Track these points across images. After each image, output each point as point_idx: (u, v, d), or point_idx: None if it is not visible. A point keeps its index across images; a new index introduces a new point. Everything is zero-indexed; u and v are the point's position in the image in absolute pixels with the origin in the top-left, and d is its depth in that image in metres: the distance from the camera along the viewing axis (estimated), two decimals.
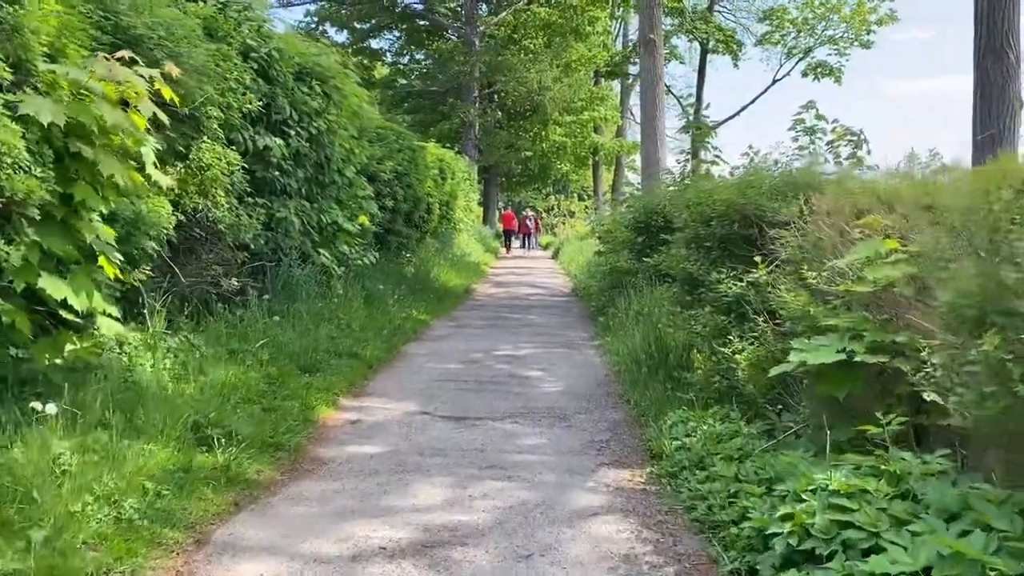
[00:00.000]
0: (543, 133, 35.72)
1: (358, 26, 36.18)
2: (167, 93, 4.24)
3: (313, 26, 34.86)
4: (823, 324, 4.08)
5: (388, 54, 39.60)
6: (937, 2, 69.00)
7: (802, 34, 33.77)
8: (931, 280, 3.53)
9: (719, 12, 36.34)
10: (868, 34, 32.79)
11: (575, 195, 55.41)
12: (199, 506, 4.10)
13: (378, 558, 3.70)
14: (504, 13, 33.69)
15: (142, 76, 4.02)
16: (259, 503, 4.36)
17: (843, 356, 3.85)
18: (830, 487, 3.31)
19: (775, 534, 3.33)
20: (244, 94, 7.30)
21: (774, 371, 4.17)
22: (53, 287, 3.94)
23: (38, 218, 3.83)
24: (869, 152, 7.74)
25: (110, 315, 4.54)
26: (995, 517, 2.83)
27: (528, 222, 39.87)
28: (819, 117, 9.41)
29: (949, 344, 3.27)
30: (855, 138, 8.56)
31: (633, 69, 37.08)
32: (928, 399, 3.66)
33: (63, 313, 4.22)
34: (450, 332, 11.02)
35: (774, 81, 35.41)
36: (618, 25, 40.89)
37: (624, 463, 5.32)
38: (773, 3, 33.97)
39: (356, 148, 10.80)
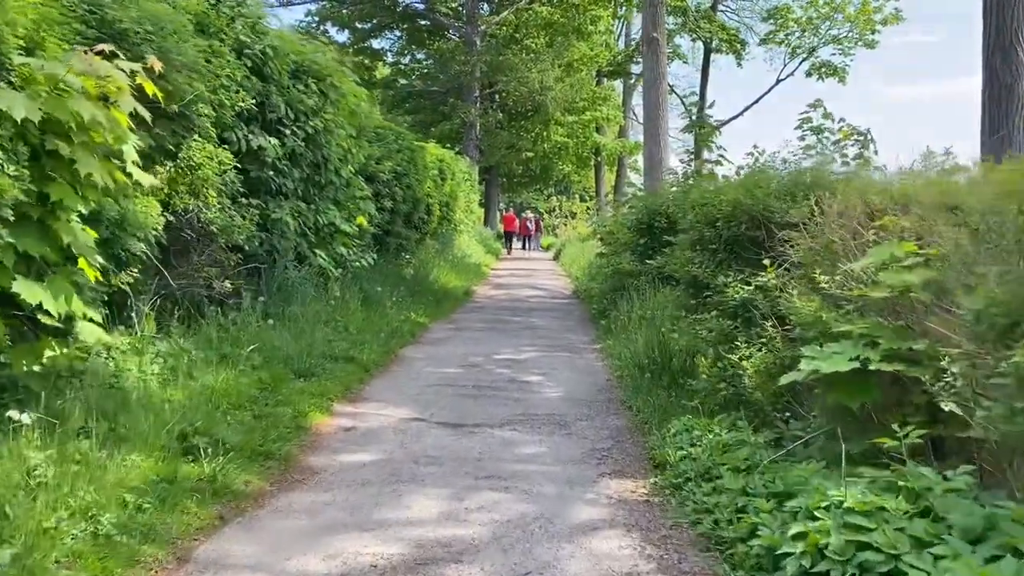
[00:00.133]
0: (544, 133, 35.52)
1: (359, 26, 36.00)
2: (149, 88, 4.06)
3: (314, 26, 34.68)
4: (836, 331, 3.89)
5: (389, 54, 39.47)
6: (934, 4, 68.68)
7: (806, 33, 33.58)
8: (952, 285, 3.34)
9: (722, 11, 36.17)
10: (873, 34, 32.60)
11: (577, 196, 55.21)
12: (182, 520, 3.92)
13: None
14: (505, 12, 33.51)
15: (123, 71, 3.84)
16: (246, 516, 4.18)
17: (857, 364, 3.67)
18: (845, 504, 3.12)
19: (787, 554, 3.15)
20: (237, 92, 7.12)
21: (785, 379, 3.98)
22: (28, 291, 3.76)
23: (12, 219, 3.65)
24: (876, 152, 7.56)
25: (91, 320, 4.35)
26: None
27: (528, 223, 39.60)
28: (826, 116, 9.23)
29: (973, 354, 3.08)
30: (862, 138, 8.37)
31: (636, 68, 36.92)
32: (947, 409, 3.47)
33: (42, 318, 4.04)
34: (449, 335, 10.84)
35: (778, 81, 35.26)
36: (620, 24, 40.73)
37: (626, 473, 5.14)
38: (777, 2, 33.77)
39: (354, 148, 10.61)
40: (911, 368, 3.60)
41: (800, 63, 34.48)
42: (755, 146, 8.94)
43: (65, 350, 4.39)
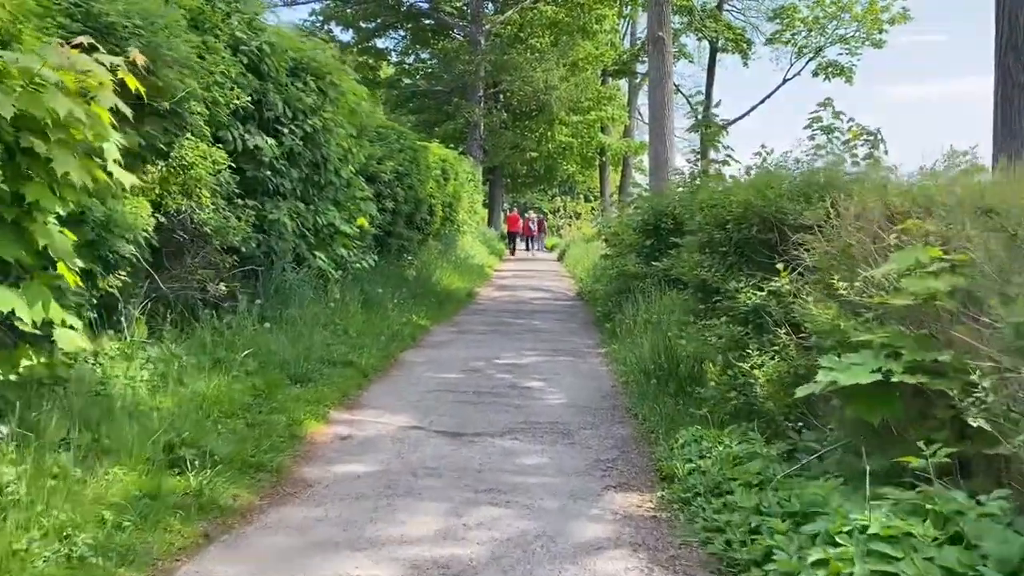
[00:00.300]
0: (549, 133, 35.29)
1: (363, 25, 35.82)
2: (132, 83, 3.86)
3: (318, 25, 34.50)
4: (855, 340, 3.67)
5: (393, 54, 39.27)
6: (934, 5, 68.32)
7: (813, 33, 33.29)
8: (984, 294, 3.12)
9: (728, 11, 35.87)
10: (880, 33, 32.29)
11: (581, 196, 54.97)
12: (164, 539, 3.71)
13: None
14: (510, 12, 33.29)
15: (103, 64, 3.64)
16: (232, 534, 3.97)
17: (879, 376, 3.45)
18: (870, 530, 2.90)
19: None
20: (232, 89, 6.93)
21: (801, 391, 3.76)
22: (0, 297, 3.56)
23: None
24: (887, 152, 7.35)
25: (71, 326, 4.15)
26: None
27: (531, 224, 39.29)
28: (836, 115, 9.01)
29: (1007, 368, 2.86)
30: (872, 138, 8.15)
31: (641, 68, 36.63)
32: (975, 425, 3.25)
33: (18, 324, 3.84)
34: (451, 338, 10.63)
35: (784, 81, 34.93)
36: (626, 24, 40.44)
37: (632, 486, 4.92)
38: (783, 2, 33.48)
39: (354, 147, 10.42)
40: (936, 381, 3.38)
41: (807, 63, 34.18)
42: (763, 146, 8.71)
43: (43, 359, 4.18)
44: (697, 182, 10.97)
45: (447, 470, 5.05)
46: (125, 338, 5.84)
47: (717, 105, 33.92)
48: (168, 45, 5.54)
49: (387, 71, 39.26)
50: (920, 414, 3.73)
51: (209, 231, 6.70)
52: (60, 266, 3.93)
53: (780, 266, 4.83)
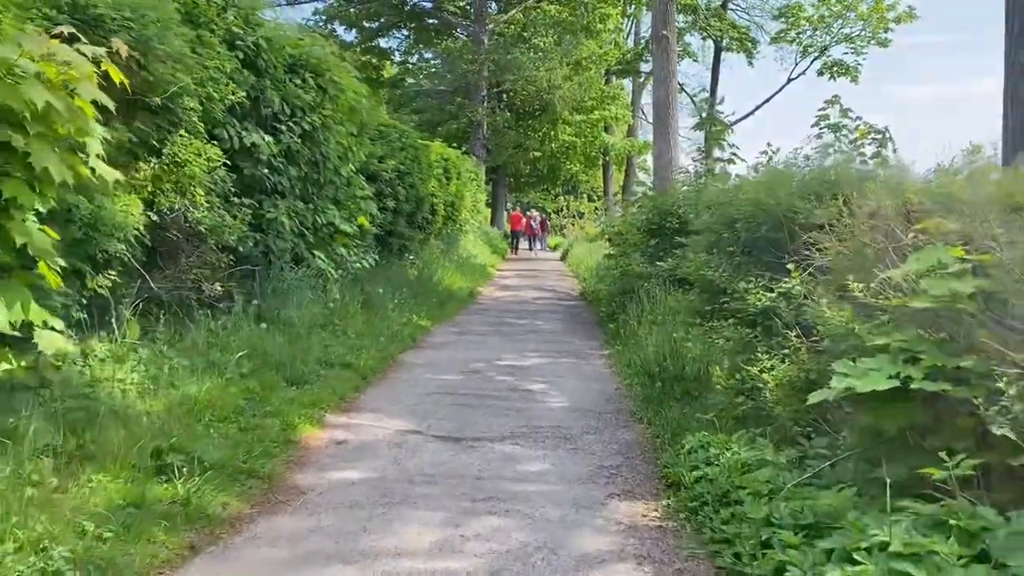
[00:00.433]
0: (552, 133, 35.10)
1: (366, 25, 35.68)
2: (116, 75, 3.70)
3: (321, 24, 34.36)
4: (871, 344, 3.50)
5: (396, 53, 39.11)
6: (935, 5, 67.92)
7: (818, 32, 33.10)
8: (1012, 296, 2.95)
9: (733, 10, 35.70)
10: (886, 32, 32.11)
11: (584, 196, 54.74)
12: (147, 551, 3.55)
13: None
14: (513, 11, 33.11)
15: (84, 55, 3.48)
16: (220, 545, 3.81)
17: (897, 383, 3.27)
18: (890, 548, 2.73)
19: None
20: (227, 85, 6.76)
21: (814, 398, 3.59)
22: None
23: None
24: (895, 151, 7.19)
25: (53, 328, 3.99)
26: None
27: (533, 223, 39.01)
28: (845, 113, 8.83)
29: None
30: (880, 136, 7.98)
31: (645, 67, 36.50)
32: (999, 434, 3.08)
33: None
34: (452, 339, 10.47)
35: (789, 80, 34.78)
36: (630, 23, 40.25)
37: (637, 494, 4.76)
38: (788, 0, 33.28)
39: (354, 145, 10.26)
40: (958, 388, 3.21)
41: (812, 62, 34.02)
42: (769, 144, 8.55)
43: (24, 362, 4.03)
44: (702, 181, 10.81)
45: (445, 477, 4.88)
46: (116, 340, 5.68)
47: (721, 102, 33.75)
48: (159, 39, 5.38)
49: (390, 71, 39.12)
50: (937, 422, 3.56)
51: (204, 230, 6.54)
52: (41, 265, 3.78)
53: (791, 266, 4.66)
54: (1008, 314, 3.02)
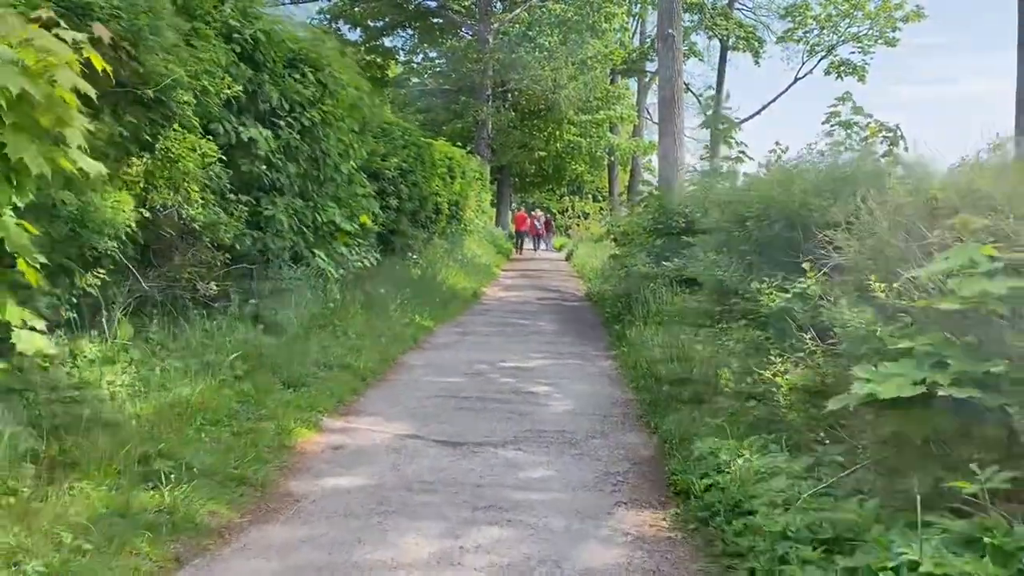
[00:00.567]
0: (557, 132, 34.90)
1: (371, 24, 35.53)
2: (98, 62, 3.52)
3: (326, 23, 34.22)
4: (894, 347, 3.30)
5: (401, 52, 38.97)
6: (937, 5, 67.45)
7: (825, 31, 32.87)
8: None
9: (739, 9, 35.49)
10: (893, 31, 31.87)
11: (590, 196, 54.51)
12: (129, 564, 3.36)
13: None
14: (518, 10, 32.93)
15: (64, 41, 3.31)
16: (206, 556, 3.63)
17: (923, 389, 3.08)
18: (921, 568, 2.53)
19: None
20: (223, 78, 6.58)
21: (834, 404, 3.39)
22: None
23: None
24: (906, 149, 7.01)
25: (34, 328, 3.82)
26: None
27: (537, 223, 38.76)
28: (857, 110, 8.64)
29: None
30: (891, 134, 7.79)
31: (651, 67, 36.29)
32: None
33: None
34: (455, 340, 10.28)
35: (796, 79, 34.56)
36: (635, 22, 40.04)
37: (644, 502, 4.56)
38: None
39: (356, 142, 10.07)
40: (988, 395, 3.01)
41: (819, 61, 33.80)
42: (777, 143, 8.36)
43: (2, 364, 3.85)
44: (708, 179, 10.62)
45: (445, 484, 4.70)
46: (107, 340, 5.51)
47: (727, 99, 33.54)
48: (151, 28, 5.20)
49: (395, 70, 38.97)
50: (963, 431, 3.36)
51: (199, 228, 6.36)
52: (20, 262, 3.60)
53: (807, 265, 4.46)
54: None
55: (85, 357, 5.22)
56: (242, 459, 4.72)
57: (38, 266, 3.54)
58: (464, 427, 5.95)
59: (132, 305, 5.79)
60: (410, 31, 37.56)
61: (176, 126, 5.93)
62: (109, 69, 3.66)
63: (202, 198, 6.35)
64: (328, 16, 34.73)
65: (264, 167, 7.58)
